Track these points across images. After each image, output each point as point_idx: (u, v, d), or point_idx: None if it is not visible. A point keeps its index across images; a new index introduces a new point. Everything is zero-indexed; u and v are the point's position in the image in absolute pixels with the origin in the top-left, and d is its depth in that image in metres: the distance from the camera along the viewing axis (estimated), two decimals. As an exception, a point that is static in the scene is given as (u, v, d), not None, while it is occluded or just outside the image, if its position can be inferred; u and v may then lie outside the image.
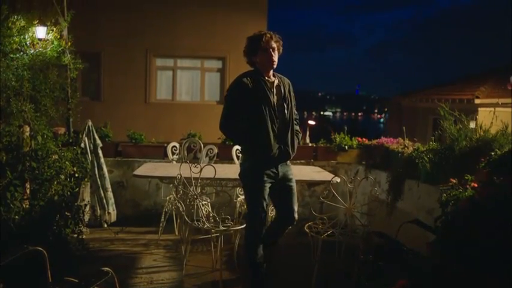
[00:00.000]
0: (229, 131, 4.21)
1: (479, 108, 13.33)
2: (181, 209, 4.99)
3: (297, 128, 4.33)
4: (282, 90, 4.17)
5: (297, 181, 4.53)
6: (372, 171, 6.68)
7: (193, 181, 4.80)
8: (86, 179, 6.44)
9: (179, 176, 4.84)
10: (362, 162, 7.28)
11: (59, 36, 6.35)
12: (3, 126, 5.39)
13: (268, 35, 4.09)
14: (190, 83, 14.00)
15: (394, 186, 5.76)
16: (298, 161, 7.42)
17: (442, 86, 18.09)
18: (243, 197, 5.95)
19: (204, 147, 6.72)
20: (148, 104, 13.47)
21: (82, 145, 6.69)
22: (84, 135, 6.79)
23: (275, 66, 4.13)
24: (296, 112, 4.33)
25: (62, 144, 6.01)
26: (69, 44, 6.49)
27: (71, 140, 6.64)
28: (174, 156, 6.73)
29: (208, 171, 4.83)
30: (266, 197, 4.15)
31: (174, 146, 6.75)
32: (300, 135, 4.43)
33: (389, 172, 5.99)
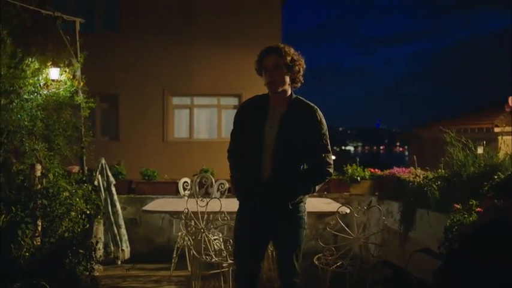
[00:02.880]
0: (228, 157, 3.58)
1: (498, 137, 13.14)
2: (189, 243, 4.99)
3: (318, 172, 3.36)
4: (291, 121, 3.26)
5: (310, 213, 4.45)
6: (384, 201, 6.61)
7: (199, 215, 4.81)
8: (99, 216, 6.51)
9: (186, 211, 4.86)
10: (375, 193, 7.22)
11: (71, 77, 6.53)
12: (16, 165, 5.52)
13: (264, 51, 3.31)
14: (207, 121, 14.14)
15: (405, 216, 5.69)
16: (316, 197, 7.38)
17: (461, 116, 17.95)
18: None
19: (215, 182, 6.74)
20: (166, 142, 13.62)
21: (95, 183, 6.77)
22: (97, 173, 6.88)
23: (275, 88, 3.26)
24: (324, 154, 3.34)
25: (75, 182, 6.10)
26: (81, 84, 6.65)
27: (84, 178, 6.73)
28: (186, 191, 6.76)
29: (216, 205, 4.84)
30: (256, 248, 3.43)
31: (186, 182, 6.79)
32: (318, 183, 3.43)
33: (401, 202, 5.93)
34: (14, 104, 5.69)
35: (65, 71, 6.50)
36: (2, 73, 5.65)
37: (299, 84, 3.38)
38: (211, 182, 6.81)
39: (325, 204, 5.77)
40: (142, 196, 7.55)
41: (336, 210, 4.87)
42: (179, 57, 13.44)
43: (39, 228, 5.22)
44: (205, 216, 4.86)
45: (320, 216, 6.05)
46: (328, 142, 3.37)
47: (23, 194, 5.24)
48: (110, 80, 13.15)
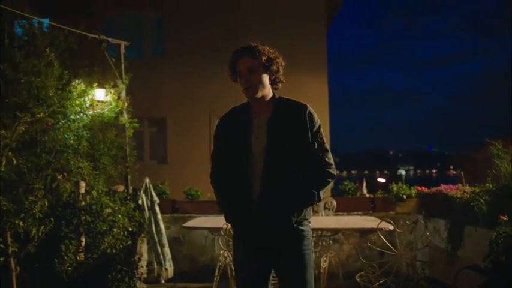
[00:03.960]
0: (212, 182, 3.12)
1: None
2: (228, 260, 4.95)
3: (318, 175, 2.88)
4: (279, 125, 2.86)
5: (348, 230, 4.37)
6: (431, 219, 6.39)
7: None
8: (142, 235, 6.57)
9: (225, 226, 4.84)
10: (422, 211, 6.99)
11: (116, 98, 6.68)
12: (62, 183, 5.66)
13: (235, 53, 2.99)
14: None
15: (453, 234, 5.47)
16: (356, 213, 7.23)
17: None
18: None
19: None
20: (213, 165, 13.69)
21: (140, 202, 6.86)
22: (141, 192, 6.98)
23: (254, 93, 2.89)
24: (321, 153, 2.89)
25: (119, 200, 6.20)
26: (126, 104, 6.80)
27: (128, 197, 6.83)
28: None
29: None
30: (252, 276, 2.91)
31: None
32: (321, 189, 2.87)
33: (448, 219, 5.72)
34: (61, 124, 5.86)
35: (110, 92, 6.67)
36: (50, 94, 5.85)
37: (280, 85, 3.02)
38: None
39: (367, 221, 5.63)
40: (186, 215, 7.59)
41: (380, 227, 4.75)
42: (225, 81, 13.50)
43: (83, 244, 5.31)
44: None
45: (363, 233, 5.92)
46: (324, 140, 2.94)
47: (68, 210, 5.36)
48: (158, 104, 13.41)
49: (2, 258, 3.41)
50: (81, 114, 6.19)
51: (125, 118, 6.75)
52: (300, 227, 2.80)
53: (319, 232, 5.28)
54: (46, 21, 6.62)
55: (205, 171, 11.11)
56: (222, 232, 4.96)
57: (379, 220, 5.92)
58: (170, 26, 13.77)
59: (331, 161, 2.92)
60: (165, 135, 13.95)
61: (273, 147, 2.79)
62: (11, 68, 5.60)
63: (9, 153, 3.27)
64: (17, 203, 3.42)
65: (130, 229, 5.86)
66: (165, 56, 13.67)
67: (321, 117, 11.90)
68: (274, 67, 2.92)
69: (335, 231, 5.28)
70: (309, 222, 2.89)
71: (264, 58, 2.87)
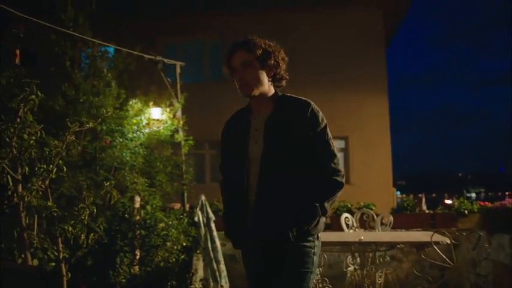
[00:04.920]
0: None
1: None
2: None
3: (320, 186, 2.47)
4: (277, 127, 2.51)
5: (401, 243, 4.22)
6: (494, 235, 6.09)
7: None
8: (198, 251, 6.63)
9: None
10: (484, 226, 6.68)
11: (172, 116, 6.85)
12: (118, 198, 5.83)
13: (229, 48, 2.63)
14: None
15: (517, 249, 5.19)
16: (415, 230, 7.00)
17: None
18: (352, 267, 5.72)
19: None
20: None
21: (195, 219, 6.93)
22: (197, 209, 7.05)
23: (249, 91, 2.55)
24: (327, 159, 2.49)
25: (175, 217, 6.30)
26: (181, 123, 6.96)
27: (185, 214, 6.93)
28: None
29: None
30: None
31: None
32: (327, 200, 2.47)
33: (513, 234, 5.44)
34: (118, 141, 6.07)
35: (166, 111, 6.84)
36: (109, 113, 6.08)
37: (283, 82, 2.65)
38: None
39: (424, 236, 5.44)
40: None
41: (436, 240, 4.58)
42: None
43: (137, 257, 5.42)
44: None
45: (418, 247, 5.70)
46: (331, 142, 2.53)
47: (123, 224, 5.50)
48: (218, 127, 13.58)
49: (53, 264, 3.53)
50: (138, 132, 6.38)
51: (180, 136, 6.90)
52: (302, 243, 2.41)
53: (374, 246, 5.14)
54: (111, 50, 6.93)
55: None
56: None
57: (436, 234, 5.70)
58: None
59: (339, 167, 2.48)
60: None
61: (270, 151, 2.46)
62: (71, 88, 5.89)
63: (60, 161, 3.38)
64: (68, 210, 3.53)
65: (184, 244, 5.93)
66: (225, 80, 13.88)
67: (382, 137, 11.87)
68: (272, 61, 2.55)
69: (388, 244, 5.13)
70: (316, 237, 2.48)
71: (260, 52, 2.52)
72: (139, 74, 6.90)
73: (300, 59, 13.52)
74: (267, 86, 2.59)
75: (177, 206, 7.23)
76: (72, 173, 5.85)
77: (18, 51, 4.70)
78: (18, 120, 3.41)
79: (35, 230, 3.67)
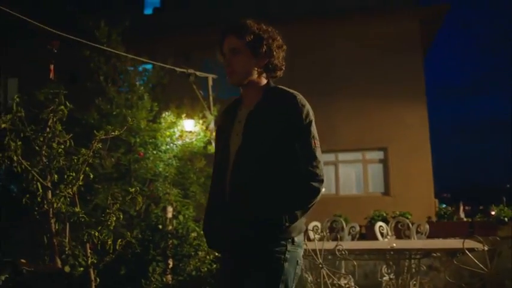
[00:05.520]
0: None
1: None
2: (309, 280, 4.88)
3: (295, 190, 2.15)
4: (257, 120, 2.26)
5: (433, 250, 4.11)
6: (536, 243, 5.89)
7: (318, 252, 4.71)
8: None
9: (304, 247, 4.78)
10: (526, 235, 6.47)
11: (205, 128, 6.94)
12: (151, 209, 5.93)
13: (221, 34, 2.36)
14: (352, 176, 13.96)
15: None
16: (452, 239, 6.82)
17: None
18: (387, 276, 5.62)
19: (346, 226, 6.58)
20: (312, 199, 13.61)
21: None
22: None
23: (236, 80, 2.32)
24: (305, 160, 2.16)
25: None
26: (213, 134, 7.03)
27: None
28: (316, 235, 6.64)
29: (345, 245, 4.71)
30: None
31: (316, 226, 6.70)
32: (298, 207, 2.15)
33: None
34: (151, 153, 6.19)
35: (199, 123, 6.93)
36: (142, 126, 6.22)
37: (279, 73, 2.39)
38: (342, 226, 6.64)
39: (460, 243, 5.30)
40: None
41: (469, 246, 4.46)
42: (321, 116, 13.43)
43: (170, 267, 5.48)
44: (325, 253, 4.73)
45: (452, 254, 5.55)
46: (314, 142, 2.21)
47: (156, 234, 5.58)
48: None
49: (81, 269, 3.61)
50: (171, 144, 6.49)
51: (213, 147, 6.95)
52: (269, 248, 2.13)
53: (407, 254, 5.05)
54: (149, 66, 7.10)
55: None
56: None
57: (471, 241, 5.54)
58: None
59: (317, 171, 2.15)
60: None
61: (245, 147, 2.23)
62: (105, 102, 6.06)
63: (87, 168, 3.49)
64: (94, 217, 3.63)
65: (217, 253, 5.95)
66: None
67: (421, 148, 11.66)
68: (264, 49, 2.27)
69: (421, 251, 5.02)
70: (291, 241, 2.16)
71: (250, 37, 2.26)
72: (173, 87, 7.04)
73: (337, 70, 13.54)
74: (258, 76, 2.33)
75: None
76: (107, 184, 6.01)
77: (52, 67, 4.86)
78: (48, 129, 3.54)
79: (67, 238, 3.77)
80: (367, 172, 13.75)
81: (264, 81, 2.36)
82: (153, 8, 15.48)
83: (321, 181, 2.15)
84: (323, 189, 2.15)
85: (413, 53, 13.35)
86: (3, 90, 12.93)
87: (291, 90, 2.31)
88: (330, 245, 4.77)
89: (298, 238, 2.20)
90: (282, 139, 2.18)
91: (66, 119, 3.61)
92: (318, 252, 4.71)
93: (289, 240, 2.15)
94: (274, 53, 2.32)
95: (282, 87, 2.35)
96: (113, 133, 3.60)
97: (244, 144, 2.23)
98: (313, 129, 2.24)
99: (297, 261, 2.19)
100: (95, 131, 3.54)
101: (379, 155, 13.69)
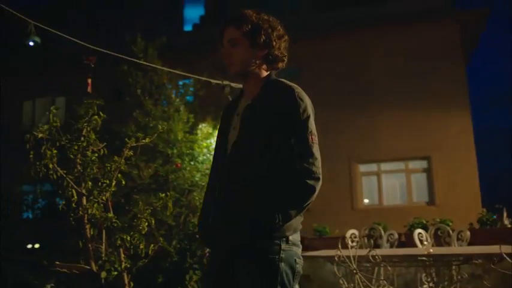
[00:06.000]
0: None
1: None
2: (344, 286, 4.85)
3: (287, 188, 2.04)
4: (254, 114, 2.18)
5: (470, 255, 3.99)
6: None
7: (351, 257, 4.69)
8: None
9: (339, 253, 4.77)
10: None
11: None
12: (189, 218, 6.04)
13: (222, 25, 2.28)
14: (396, 186, 13.76)
15: None
16: (495, 245, 6.64)
17: None
18: (427, 285, 5.52)
19: (384, 233, 6.50)
20: (355, 210, 13.48)
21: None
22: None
23: (235, 71, 2.24)
24: (299, 156, 2.05)
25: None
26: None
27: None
28: (354, 243, 6.60)
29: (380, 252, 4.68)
30: None
31: (353, 234, 6.64)
32: (292, 206, 2.03)
33: None
34: (187, 164, 6.32)
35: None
36: (179, 138, 6.36)
37: (280, 64, 2.29)
38: (380, 234, 6.57)
39: (501, 249, 5.16)
40: (314, 252, 7.56)
41: (492, 251, 4.35)
42: (364, 127, 13.39)
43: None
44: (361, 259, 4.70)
45: (489, 260, 5.41)
46: (311, 137, 2.10)
47: (194, 243, 5.67)
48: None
49: (115, 273, 3.71)
50: (208, 155, 6.60)
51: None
52: (261, 248, 2.02)
53: (445, 260, 4.96)
54: (188, 82, 7.27)
55: (348, 218, 10.94)
56: (336, 258, 4.87)
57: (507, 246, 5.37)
58: (308, 79, 14.09)
59: (314, 168, 2.04)
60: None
61: (241, 141, 2.15)
62: (142, 115, 6.23)
63: (119, 175, 3.61)
64: (127, 222, 3.74)
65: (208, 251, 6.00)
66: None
67: (466, 157, 11.37)
68: (262, 38, 2.18)
69: (457, 257, 4.92)
70: (285, 240, 2.05)
71: (248, 27, 2.18)
72: (209, 100, 7.16)
73: (378, 79, 13.43)
74: (258, 67, 2.24)
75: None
76: (146, 195, 6.15)
77: (90, 81, 5.06)
78: (82, 138, 3.69)
79: (104, 245, 3.89)
80: (410, 182, 13.51)
81: (264, 73, 2.26)
82: (193, 24, 15.80)
83: (317, 179, 2.04)
84: (319, 187, 2.05)
85: (454, 59, 13.09)
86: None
87: (290, 83, 2.19)
88: (365, 251, 4.74)
89: (293, 237, 2.08)
90: (277, 134, 2.07)
91: (106, 132, 3.75)
92: (351, 258, 4.69)
93: (283, 239, 2.04)
94: (274, 43, 2.21)
95: (283, 80, 2.23)
96: (144, 140, 3.71)
97: (239, 138, 2.16)
98: (311, 124, 2.12)
99: (295, 259, 2.08)
100: (126, 139, 3.66)
101: (423, 164, 13.43)
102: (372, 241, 6.74)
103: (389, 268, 4.90)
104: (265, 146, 2.07)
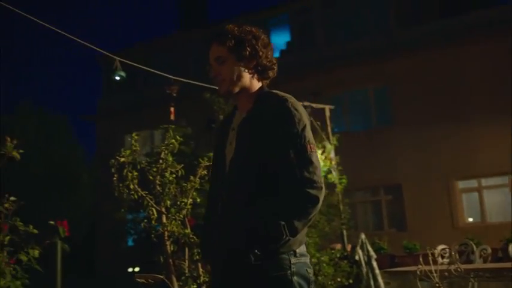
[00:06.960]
0: None
1: None
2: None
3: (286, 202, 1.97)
4: (248, 128, 2.13)
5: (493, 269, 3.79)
6: None
7: (433, 272, 4.60)
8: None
9: (420, 267, 4.71)
10: None
11: (324, 158, 7.10)
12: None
13: (208, 44, 2.26)
14: (500, 202, 13.07)
15: None
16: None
17: None
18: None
19: (476, 248, 6.25)
20: (456, 228, 12.92)
21: (356, 257, 6.96)
22: (358, 248, 7.08)
23: (226, 89, 2.18)
24: (299, 167, 1.98)
25: (338, 257, 6.43)
26: (333, 163, 7.16)
27: (345, 254, 7.00)
28: (444, 259, 6.39)
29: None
30: None
31: (444, 249, 6.43)
32: (296, 218, 1.94)
33: None
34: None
35: (319, 153, 7.12)
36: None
37: (270, 73, 2.25)
38: (472, 249, 6.32)
39: None
40: (405, 269, 7.38)
41: None
42: (459, 142, 12.91)
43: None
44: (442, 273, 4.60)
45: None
46: (309, 147, 2.04)
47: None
48: (391, 172, 13.46)
49: (195, 287, 3.89)
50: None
51: (333, 176, 7.08)
52: (274, 265, 1.94)
53: (472, 274, 4.79)
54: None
55: (449, 236, 10.54)
56: (418, 272, 4.80)
57: None
58: (398, 97, 13.90)
59: (315, 177, 1.98)
60: (402, 202, 13.77)
61: (237, 157, 2.13)
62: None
63: (194, 193, 3.84)
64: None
65: (339, 279, 5.99)
66: (393, 124, 13.85)
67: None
68: (248, 50, 2.16)
69: (476, 270, 4.73)
70: (293, 254, 1.98)
71: (231, 42, 2.16)
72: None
73: (471, 92, 12.96)
74: (249, 81, 2.20)
75: (338, 246, 7.33)
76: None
77: (173, 109, 5.40)
78: (161, 161, 3.97)
79: (187, 261, 4.11)
80: (515, 197, 12.79)
81: (256, 85, 2.23)
82: (280, 50, 16.12)
83: (319, 188, 1.97)
84: (322, 197, 1.97)
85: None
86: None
87: (283, 94, 2.15)
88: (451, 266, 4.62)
89: (300, 249, 2.02)
90: (274, 146, 2.03)
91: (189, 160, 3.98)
92: (433, 272, 4.60)
93: (291, 253, 1.98)
94: (261, 53, 2.18)
95: (275, 91, 2.20)
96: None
97: (236, 154, 2.13)
98: (308, 133, 2.06)
99: (306, 269, 2.02)
100: (199, 159, 3.89)
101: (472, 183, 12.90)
102: (465, 256, 6.51)
103: (474, 282, 4.73)
104: (263, 160, 2.03)
